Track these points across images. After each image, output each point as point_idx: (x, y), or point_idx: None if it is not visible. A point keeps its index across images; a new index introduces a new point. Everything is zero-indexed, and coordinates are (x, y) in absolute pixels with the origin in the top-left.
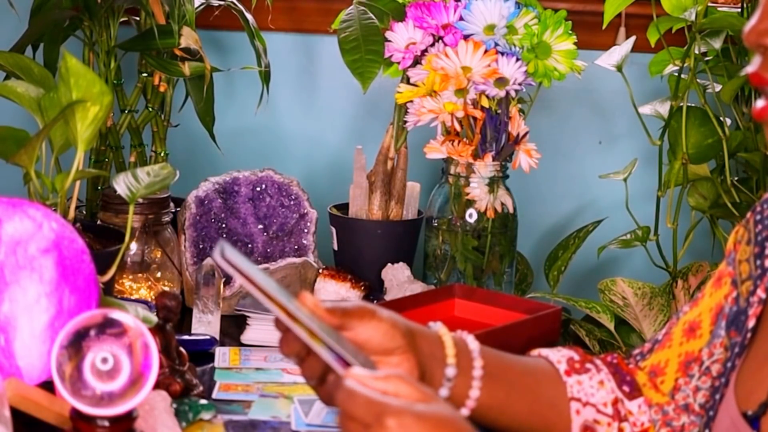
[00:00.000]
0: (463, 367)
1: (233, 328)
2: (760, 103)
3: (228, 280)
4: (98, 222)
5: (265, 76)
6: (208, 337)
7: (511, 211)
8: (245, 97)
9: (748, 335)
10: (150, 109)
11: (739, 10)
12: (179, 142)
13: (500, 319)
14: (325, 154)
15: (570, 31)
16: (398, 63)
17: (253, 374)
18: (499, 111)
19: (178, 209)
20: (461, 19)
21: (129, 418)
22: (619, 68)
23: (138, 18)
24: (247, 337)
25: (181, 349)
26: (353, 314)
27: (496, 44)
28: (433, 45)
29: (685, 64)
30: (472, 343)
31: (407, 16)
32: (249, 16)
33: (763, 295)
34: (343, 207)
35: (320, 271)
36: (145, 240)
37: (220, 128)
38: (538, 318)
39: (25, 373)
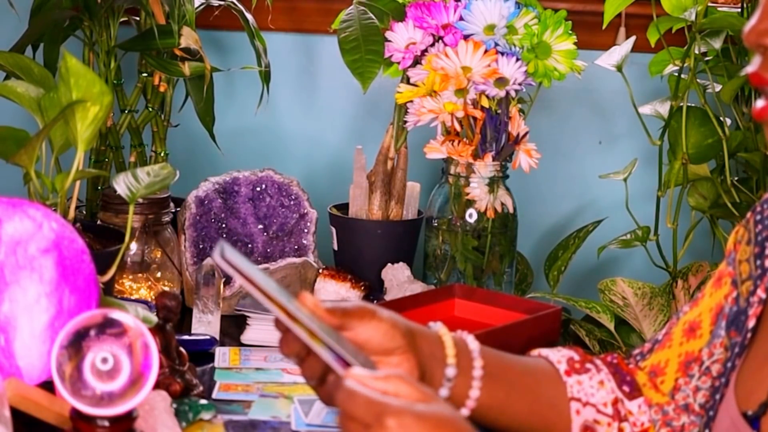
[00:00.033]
0: (463, 367)
1: (233, 328)
2: (760, 103)
3: (228, 280)
4: (98, 222)
5: (265, 76)
6: (208, 337)
7: (511, 211)
8: (245, 97)
9: (748, 335)
10: (150, 109)
11: (739, 10)
12: (179, 142)
13: (500, 319)
14: (325, 154)
15: (570, 31)
16: (398, 63)
17: (253, 374)
18: (499, 111)
19: (178, 209)
20: (461, 19)
21: (129, 418)
22: (619, 68)
23: (138, 18)
24: (247, 337)
25: (181, 349)
26: (353, 314)
27: (496, 44)
28: (433, 45)
29: (685, 64)
30: (472, 343)
31: (407, 16)
32: (249, 16)
33: (763, 295)
34: (343, 207)
35: (320, 271)
36: (145, 240)
37: (220, 128)
38: (538, 318)
39: (25, 373)
